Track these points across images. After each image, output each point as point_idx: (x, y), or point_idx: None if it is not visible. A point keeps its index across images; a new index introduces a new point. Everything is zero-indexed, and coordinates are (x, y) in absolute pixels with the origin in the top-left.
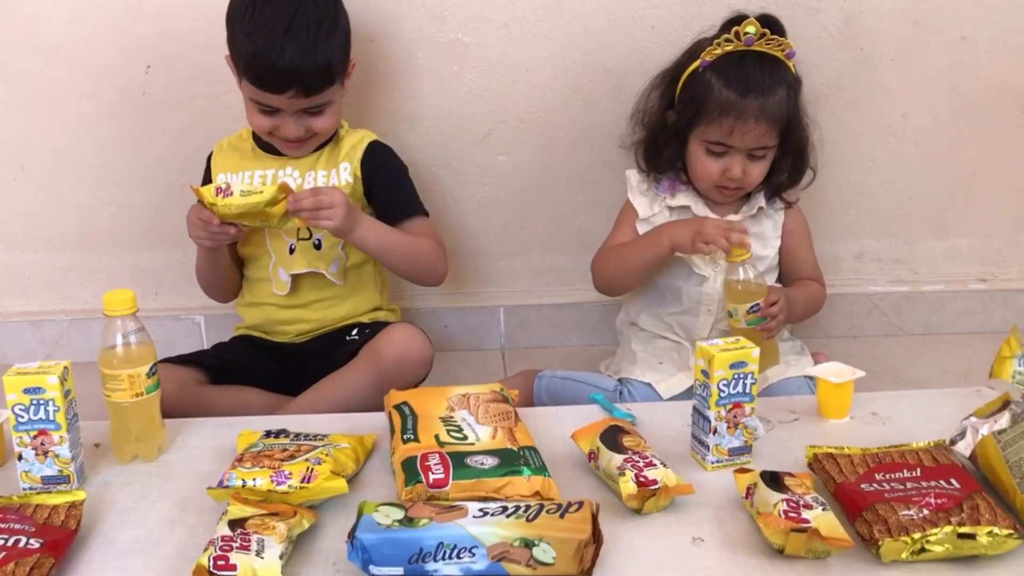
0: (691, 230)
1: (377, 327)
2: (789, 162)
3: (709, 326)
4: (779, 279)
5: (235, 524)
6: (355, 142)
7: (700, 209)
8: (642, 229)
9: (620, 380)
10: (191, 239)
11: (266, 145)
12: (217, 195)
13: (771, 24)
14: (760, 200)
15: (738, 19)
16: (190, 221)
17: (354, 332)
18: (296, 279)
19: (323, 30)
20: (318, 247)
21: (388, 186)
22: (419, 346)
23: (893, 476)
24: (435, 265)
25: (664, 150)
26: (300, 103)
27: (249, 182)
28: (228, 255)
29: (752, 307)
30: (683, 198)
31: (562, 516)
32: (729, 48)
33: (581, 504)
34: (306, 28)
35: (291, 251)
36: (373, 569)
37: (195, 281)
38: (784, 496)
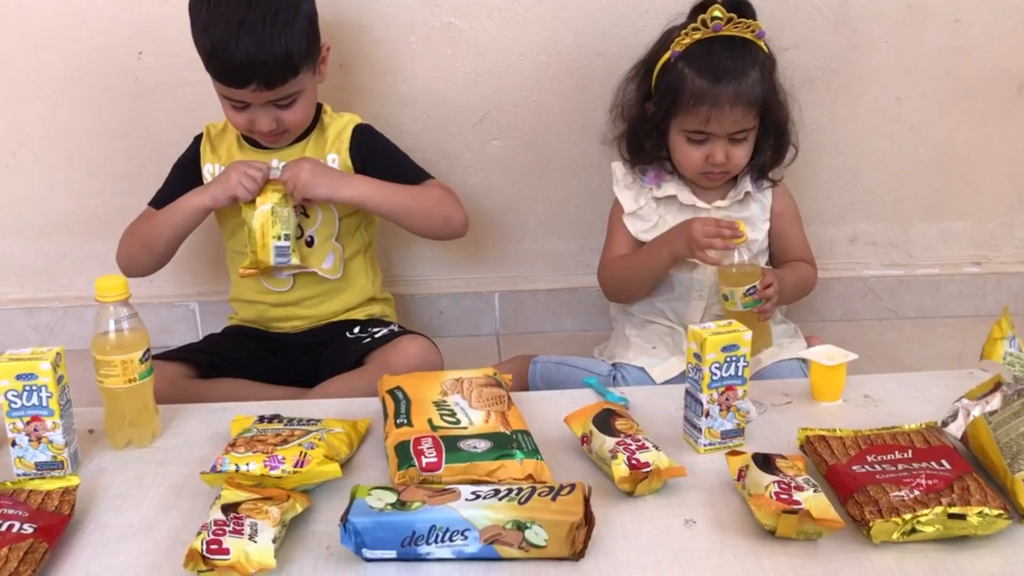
0: (684, 238)
1: (376, 324)
2: (771, 141)
3: (701, 311)
4: (769, 261)
5: (228, 509)
6: (340, 129)
7: (686, 197)
8: (629, 223)
9: (614, 365)
10: (226, 189)
11: (251, 139)
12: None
13: (739, 5)
14: (747, 184)
15: (705, 4)
16: (238, 171)
17: (355, 330)
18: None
19: (280, 20)
20: (310, 244)
21: (386, 165)
22: (432, 361)
23: (885, 458)
24: (449, 212)
25: (646, 142)
26: (265, 96)
27: None
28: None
29: (749, 289)
30: (669, 188)
31: (554, 499)
32: (698, 36)
33: (573, 487)
34: (261, 20)
35: None
36: (366, 552)
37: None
38: (776, 478)
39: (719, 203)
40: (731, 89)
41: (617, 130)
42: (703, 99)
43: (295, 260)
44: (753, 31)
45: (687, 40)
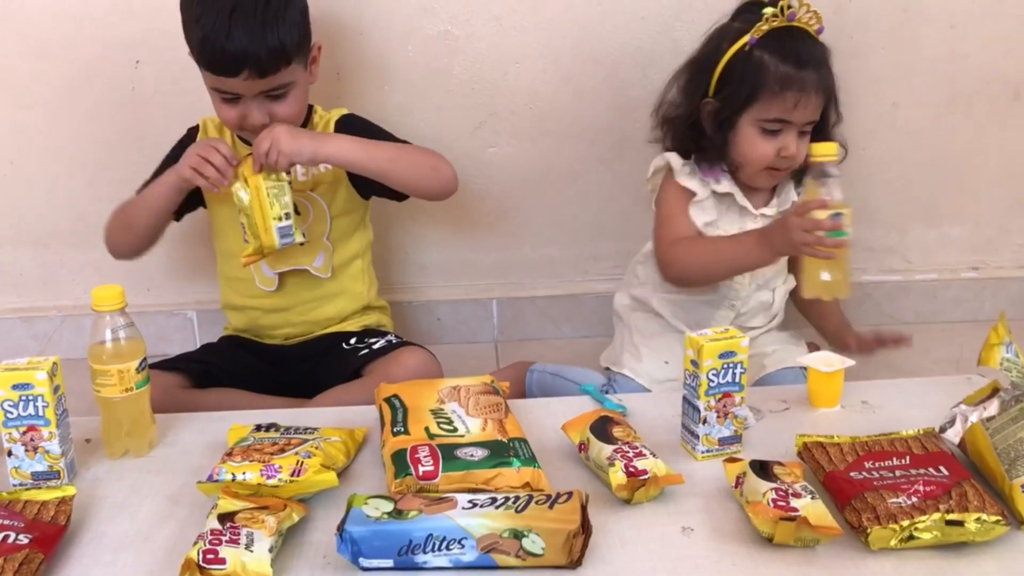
0: (784, 236)
1: (372, 335)
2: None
3: (729, 322)
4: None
5: (224, 518)
6: (325, 124)
7: (741, 199)
8: (694, 212)
9: (609, 375)
10: (185, 169)
11: (245, 140)
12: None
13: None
14: (791, 193)
15: (753, 3)
16: (202, 151)
17: (352, 341)
18: (281, 278)
19: (272, 8)
20: (301, 243)
21: (373, 139)
22: (431, 372)
23: (882, 464)
24: (436, 163)
25: (714, 137)
26: (257, 85)
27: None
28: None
29: (834, 215)
30: (725, 186)
31: (551, 507)
32: (776, 24)
33: (570, 495)
34: (253, 8)
35: None
36: (363, 561)
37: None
38: (773, 485)
39: (764, 211)
40: (815, 76)
41: (664, 131)
42: (790, 84)
43: (299, 238)
44: (815, 26)
45: (765, 27)
